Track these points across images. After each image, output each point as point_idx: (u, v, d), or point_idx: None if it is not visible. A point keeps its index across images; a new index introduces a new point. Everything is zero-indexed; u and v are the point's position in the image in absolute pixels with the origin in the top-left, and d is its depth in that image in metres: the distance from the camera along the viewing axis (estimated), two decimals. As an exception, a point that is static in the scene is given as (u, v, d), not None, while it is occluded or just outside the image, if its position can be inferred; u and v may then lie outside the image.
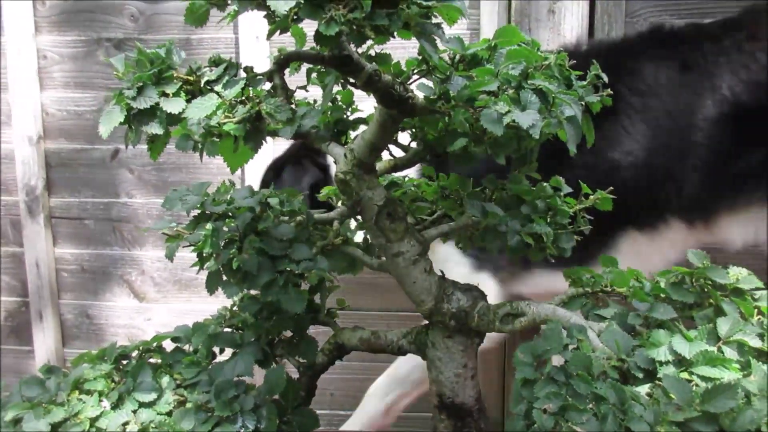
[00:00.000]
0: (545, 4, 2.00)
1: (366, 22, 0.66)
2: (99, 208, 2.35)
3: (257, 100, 0.77)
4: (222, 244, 0.85)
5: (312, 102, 0.99)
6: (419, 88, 0.91)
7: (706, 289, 0.91)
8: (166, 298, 2.39)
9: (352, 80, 0.88)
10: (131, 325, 2.41)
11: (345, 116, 1.05)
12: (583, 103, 0.80)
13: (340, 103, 1.05)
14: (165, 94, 0.75)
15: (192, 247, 0.93)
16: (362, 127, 1.04)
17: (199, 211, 0.88)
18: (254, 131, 0.77)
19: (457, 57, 0.88)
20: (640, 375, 0.82)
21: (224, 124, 0.74)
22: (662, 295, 0.95)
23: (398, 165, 1.05)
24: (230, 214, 0.88)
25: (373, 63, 0.82)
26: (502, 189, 1.10)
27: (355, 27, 0.66)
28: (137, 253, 2.36)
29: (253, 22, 2.13)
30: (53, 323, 2.42)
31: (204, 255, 0.89)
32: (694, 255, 0.94)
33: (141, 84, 0.75)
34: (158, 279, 2.37)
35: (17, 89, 2.29)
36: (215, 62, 0.81)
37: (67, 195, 2.35)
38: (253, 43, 2.15)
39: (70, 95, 2.30)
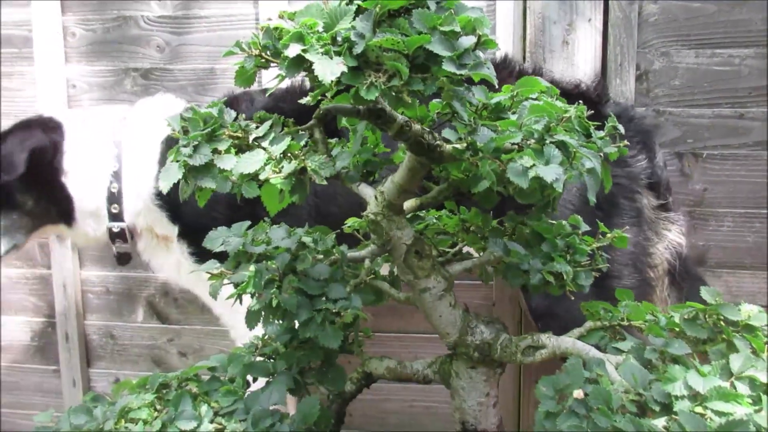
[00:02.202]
0: (559, 35, 2.06)
1: (403, 87, 0.72)
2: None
3: (302, 156, 0.83)
4: (263, 283, 0.91)
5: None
6: (445, 134, 0.97)
7: (718, 326, 0.96)
8: (188, 320, 2.45)
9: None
10: (154, 345, 2.47)
11: (372, 157, 1.11)
12: (602, 154, 0.85)
13: (368, 144, 1.11)
14: (217, 151, 0.82)
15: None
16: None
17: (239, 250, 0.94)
18: (299, 184, 0.84)
19: (481, 105, 0.94)
20: (657, 408, 0.86)
21: (273, 178, 0.80)
22: (677, 329, 1.00)
23: (424, 204, 1.11)
24: (269, 254, 0.94)
25: (402, 113, 0.88)
26: (521, 224, 1.15)
27: (393, 93, 0.72)
28: (160, 275, 2.42)
29: (275, 52, 2.20)
30: (78, 343, 2.48)
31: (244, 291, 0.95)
32: (707, 292, 0.99)
33: (197, 143, 0.81)
34: (181, 301, 2.43)
35: (47, 117, 2.37)
36: (261, 119, 0.87)
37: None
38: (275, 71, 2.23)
39: (98, 123, 2.38)
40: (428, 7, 0.73)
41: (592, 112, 0.92)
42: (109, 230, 1.90)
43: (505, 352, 1.07)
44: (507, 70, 1.86)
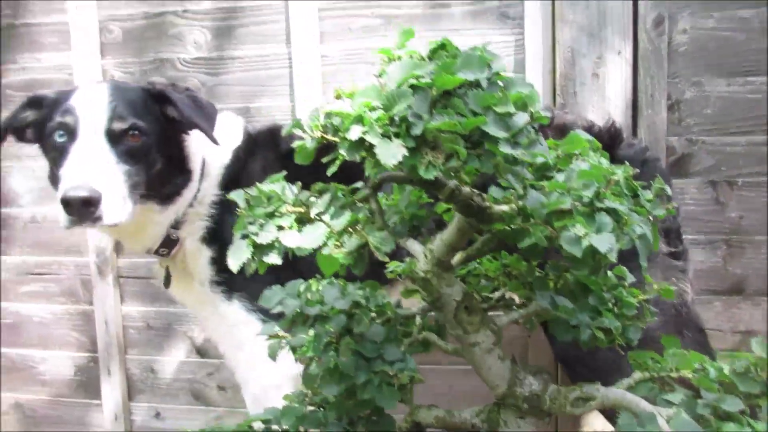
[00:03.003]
0: (589, 68, 2.08)
1: (461, 167, 0.74)
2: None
3: (363, 231, 0.86)
4: (322, 347, 0.93)
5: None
6: (492, 192, 0.99)
7: (771, 380, 0.96)
8: (226, 353, 2.48)
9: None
10: (194, 380, 2.52)
11: (418, 211, 1.13)
12: (651, 218, 0.87)
13: (413, 199, 1.14)
14: (281, 227, 0.85)
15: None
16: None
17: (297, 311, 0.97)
18: (360, 258, 0.87)
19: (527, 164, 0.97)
20: (713, 466, 0.87)
21: (336, 253, 0.83)
22: (727, 381, 1.00)
23: (470, 256, 1.13)
24: (324, 314, 0.97)
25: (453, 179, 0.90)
26: (565, 272, 1.17)
27: (451, 173, 0.75)
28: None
29: (308, 90, 2.25)
30: (120, 378, 2.54)
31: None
32: (758, 344, 1.00)
33: (262, 222, 0.85)
34: (219, 334, 2.47)
35: (88, 158, 2.44)
36: (320, 191, 0.90)
37: (134, 255, 2.48)
38: (308, 109, 2.27)
39: (137, 162, 2.44)
40: (481, 86, 0.76)
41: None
42: (168, 236, 1.76)
43: (554, 404, 1.09)
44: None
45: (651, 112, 2.08)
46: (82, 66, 2.40)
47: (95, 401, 2.59)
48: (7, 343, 2.66)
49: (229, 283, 1.71)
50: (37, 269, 2.60)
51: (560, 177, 0.95)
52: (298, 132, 0.80)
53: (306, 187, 1.74)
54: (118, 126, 1.58)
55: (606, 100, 2.08)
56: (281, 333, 0.97)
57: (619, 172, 0.89)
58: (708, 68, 2.06)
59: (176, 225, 1.75)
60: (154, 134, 1.63)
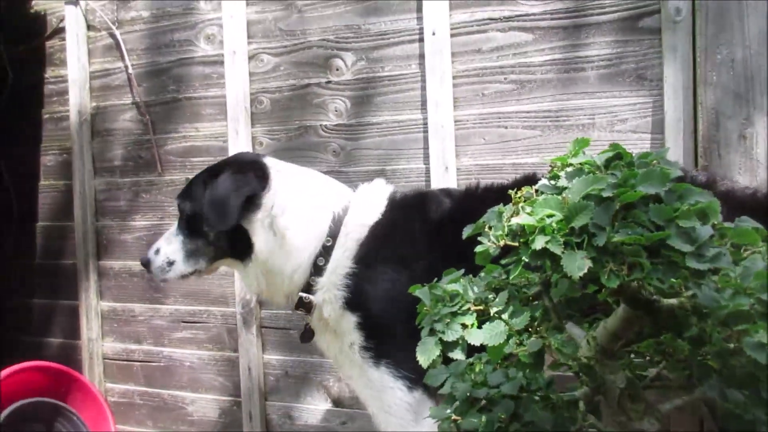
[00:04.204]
0: (735, 129, 2.03)
1: (645, 278, 0.78)
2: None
3: (543, 333, 0.91)
4: (493, 432, 0.98)
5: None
6: (656, 284, 1.01)
7: None
8: (359, 404, 2.57)
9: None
10: (328, 428, 2.62)
11: (574, 294, 1.16)
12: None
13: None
14: (464, 325, 0.92)
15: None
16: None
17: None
18: (539, 358, 0.92)
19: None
20: None
21: (519, 353, 0.89)
22: None
23: (630, 341, 1.14)
24: (492, 398, 1.02)
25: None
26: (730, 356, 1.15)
27: (635, 284, 0.78)
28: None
29: (442, 153, 2.34)
30: (260, 422, 2.69)
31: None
32: None
33: (448, 321, 0.92)
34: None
35: (238, 216, 2.67)
36: (496, 289, 0.97)
37: (274, 307, 2.64)
38: (443, 172, 2.37)
39: (281, 221, 2.64)
40: (661, 198, 0.79)
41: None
42: (300, 298, 1.91)
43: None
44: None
45: (806, 174, 1.99)
46: (235, 135, 2.64)
47: (238, 444, 2.77)
48: (160, 384, 2.91)
49: (378, 350, 1.81)
50: (189, 317, 2.84)
51: (731, 271, 0.95)
52: (483, 239, 0.87)
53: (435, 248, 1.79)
54: (179, 206, 2.05)
55: (755, 161, 2.01)
56: (454, 416, 1.03)
57: (797, 271, 0.88)
58: None
59: (308, 289, 1.91)
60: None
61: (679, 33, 2.07)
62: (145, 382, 2.94)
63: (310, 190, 2.01)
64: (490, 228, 0.87)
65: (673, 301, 0.96)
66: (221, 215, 1.88)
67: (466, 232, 0.92)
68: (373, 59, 2.46)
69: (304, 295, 1.91)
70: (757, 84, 2.00)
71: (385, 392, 1.82)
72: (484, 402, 1.01)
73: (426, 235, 1.83)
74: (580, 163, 0.87)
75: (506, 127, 2.29)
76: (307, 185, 2.02)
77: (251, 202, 1.90)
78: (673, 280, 0.96)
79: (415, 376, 1.76)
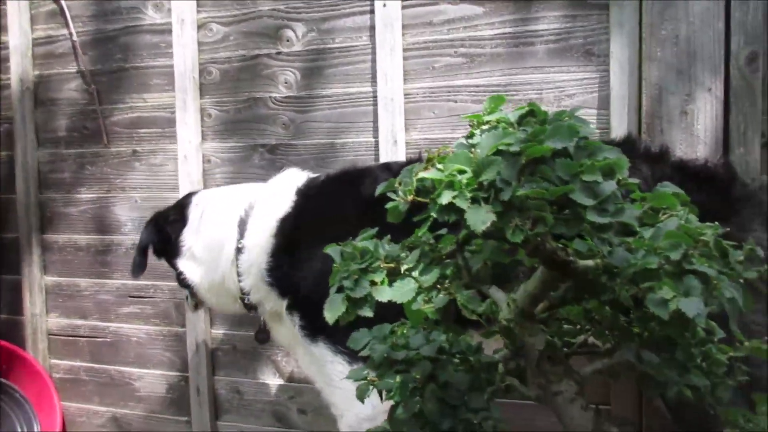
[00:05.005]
0: (677, 105, 2.05)
1: (548, 232, 0.78)
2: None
3: (451, 289, 0.90)
4: (408, 393, 0.98)
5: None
6: (576, 246, 1.01)
7: None
8: (307, 379, 2.56)
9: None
10: (276, 402, 2.61)
11: (502, 259, 1.16)
12: (742, 280, 0.86)
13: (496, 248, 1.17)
14: (373, 282, 0.91)
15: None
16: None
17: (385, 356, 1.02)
18: (446, 313, 0.91)
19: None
20: None
21: (425, 308, 0.88)
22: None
23: (553, 304, 1.14)
24: (410, 360, 1.01)
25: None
26: (651, 322, 1.16)
27: (538, 238, 0.78)
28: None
29: (391, 126, 2.32)
30: (208, 397, 2.67)
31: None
32: None
33: (357, 277, 0.91)
34: (302, 361, 2.56)
35: (185, 189, 2.61)
36: (410, 247, 0.96)
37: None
38: (391, 146, 2.35)
39: (230, 194, 2.59)
40: (569, 153, 0.79)
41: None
42: (242, 301, 2.04)
43: (639, 457, 1.08)
44: (631, 152, 1.85)
45: (743, 151, 2.02)
46: (183, 106, 2.58)
47: (185, 418, 2.74)
48: (106, 360, 2.86)
49: (312, 327, 1.89)
50: (135, 292, 2.79)
51: (646, 233, 0.96)
52: (392, 195, 0.86)
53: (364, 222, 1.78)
54: None
55: (695, 137, 2.03)
56: (370, 377, 1.02)
57: (709, 232, 0.89)
58: (806, 105, 1.98)
59: (244, 294, 2.02)
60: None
61: (626, 9, 2.08)
62: (91, 358, 2.89)
63: (218, 206, 2.12)
64: (400, 184, 0.86)
65: (589, 262, 0.96)
66: (131, 268, 2.18)
67: (379, 189, 0.91)
68: (323, 30, 2.42)
69: (245, 297, 2.02)
70: (699, 60, 2.02)
71: (326, 367, 1.87)
72: (402, 364, 1.01)
73: (352, 211, 1.87)
74: (495, 120, 0.86)
75: (456, 101, 2.28)
76: (217, 203, 2.13)
77: (173, 244, 2.12)
78: (592, 244, 0.97)
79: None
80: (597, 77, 2.15)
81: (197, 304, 2.23)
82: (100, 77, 2.76)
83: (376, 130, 2.37)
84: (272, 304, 2.00)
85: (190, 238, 2.10)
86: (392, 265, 0.93)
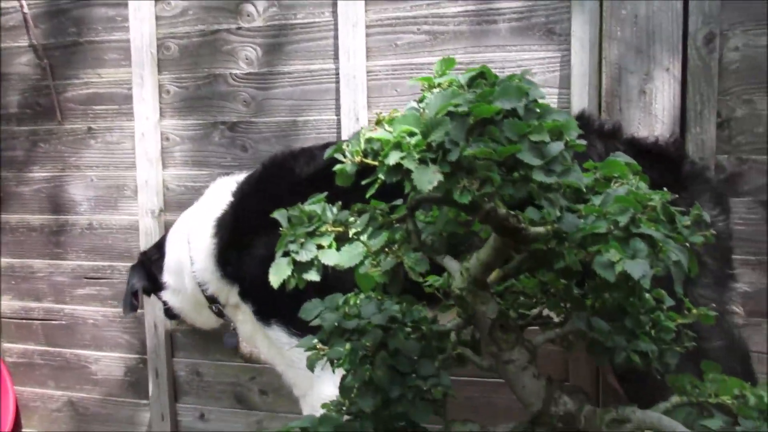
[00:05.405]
0: (636, 85, 2.07)
1: (495, 192, 0.77)
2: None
3: (399, 252, 0.89)
4: (358, 360, 0.97)
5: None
6: (529, 213, 1.01)
7: (812, 410, 0.95)
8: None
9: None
10: (237, 383, 2.59)
11: (458, 229, 1.15)
12: (687, 244, 0.87)
13: (451, 217, 1.16)
14: (320, 246, 0.89)
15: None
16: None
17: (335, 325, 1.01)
18: (395, 277, 0.90)
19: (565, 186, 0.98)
20: (748, 496, 0.86)
21: (372, 272, 0.87)
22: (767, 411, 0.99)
23: (507, 274, 1.14)
24: (361, 329, 1.00)
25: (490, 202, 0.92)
26: (604, 292, 1.17)
27: (485, 198, 0.77)
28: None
29: (354, 104, 2.30)
30: (167, 379, 2.62)
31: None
32: (800, 374, 0.98)
33: (303, 240, 0.89)
34: (263, 341, 2.53)
35: (143, 168, 2.56)
36: (359, 211, 0.94)
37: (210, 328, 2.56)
38: (353, 124, 2.32)
39: (188, 172, 2.54)
40: (518, 114, 0.78)
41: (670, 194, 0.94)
42: (211, 310, 2.14)
43: (589, 424, 1.09)
44: (585, 128, 1.87)
45: (699, 130, 2.05)
46: (140, 81, 2.51)
47: (143, 401, 2.69)
48: (62, 343, 2.79)
49: (264, 311, 1.95)
50: (92, 273, 2.72)
51: (597, 201, 0.96)
52: (340, 156, 0.84)
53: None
54: None
55: (653, 116, 2.06)
56: (319, 346, 1.01)
57: (657, 198, 0.89)
58: (759, 86, 2.02)
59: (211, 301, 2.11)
60: None
61: (588, -13, 2.08)
62: (45, 341, 2.81)
63: (175, 230, 2.22)
64: (348, 146, 0.84)
65: (540, 229, 0.96)
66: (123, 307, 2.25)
67: (327, 153, 0.89)
68: (285, 5, 2.37)
69: (212, 306, 2.12)
70: (658, 40, 2.04)
71: (284, 349, 1.88)
72: (353, 333, 0.99)
73: (287, 193, 1.88)
74: (446, 82, 0.85)
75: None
76: (174, 228, 2.23)
77: (158, 282, 2.22)
78: (545, 213, 0.97)
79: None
80: (558, 56, 2.16)
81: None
82: (53, 51, 2.66)
83: (338, 107, 2.35)
84: (232, 299, 2.06)
85: (166, 271, 2.20)
86: (340, 229, 0.91)
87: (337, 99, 2.34)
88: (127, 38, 2.53)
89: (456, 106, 0.78)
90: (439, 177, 0.76)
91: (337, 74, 2.33)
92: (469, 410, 2.26)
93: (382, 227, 0.91)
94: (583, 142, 0.82)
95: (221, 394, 2.61)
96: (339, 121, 2.35)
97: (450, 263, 1.10)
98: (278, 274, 0.90)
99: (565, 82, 2.16)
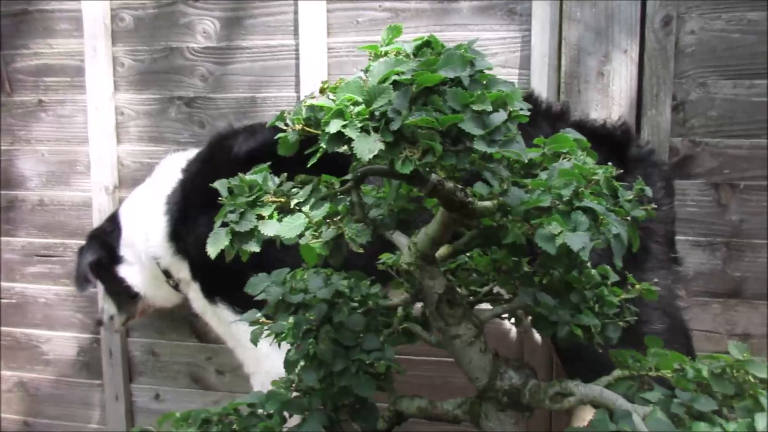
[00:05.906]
0: (594, 66, 2.08)
1: (437, 162, 0.76)
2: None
3: (340, 223, 0.88)
4: (301, 334, 0.96)
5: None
6: (477, 188, 1.00)
7: (746, 382, 0.97)
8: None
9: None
10: (193, 363, 2.56)
11: (407, 205, 1.15)
12: (629, 218, 0.88)
13: (402, 192, 1.15)
14: (261, 217, 0.87)
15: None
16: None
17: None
18: (337, 249, 0.89)
19: (513, 161, 0.98)
20: (683, 465, 0.88)
21: (313, 243, 0.85)
22: (705, 383, 1.01)
23: (456, 250, 1.14)
24: (307, 303, 0.99)
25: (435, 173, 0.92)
26: (552, 269, 1.18)
27: (427, 168, 0.76)
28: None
29: (314, 81, 2.27)
30: (122, 359, 2.58)
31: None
32: (735, 347, 1.00)
33: (243, 210, 0.87)
34: (220, 320, 2.50)
35: (96, 143, 2.48)
36: (303, 182, 0.92)
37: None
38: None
39: (144, 148, 2.48)
40: (462, 84, 0.77)
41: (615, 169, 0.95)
42: (168, 284, 2.13)
43: (534, 398, 1.10)
44: (534, 109, 1.89)
45: (655, 112, 2.08)
46: (93, 53, 2.43)
47: (97, 381, 2.64)
48: (12, 322, 2.72)
49: (209, 289, 1.95)
50: (43, 251, 2.65)
51: (544, 175, 0.96)
52: (281, 124, 0.82)
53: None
54: None
55: (610, 98, 2.08)
56: (262, 319, 0.99)
57: (600, 172, 0.90)
58: (714, 70, 2.05)
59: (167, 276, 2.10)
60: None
61: (548, -32, 2.08)
62: (-5, 320, 2.73)
63: (130, 206, 2.19)
64: (289, 113, 0.82)
65: (487, 203, 0.96)
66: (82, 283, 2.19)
67: (270, 122, 0.86)
68: (243, -22, 2.31)
69: (170, 281, 2.12)
70: (616, 22, 2.05)
71: (232, 327, 1.86)
72: (298, 307, 0.98)
73: (227, 172, 1.88)
74: (393, 50, 0.83)
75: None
76: (131, 203, 2.20)
77: (115, 254, 2.16)
78: (494, 188, 0.96)
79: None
80: (519, 36, 2.16)
81: (129, 317, 2.29)
82: (1, 20, 2.56)
83: (298, 84, 2.31)
84: (184, 274, 2.05)
85: (123, 245, 2.16)
86: (282, 200, 0.89)
87: (297, 75, 2.30)
88: (78, 8, 2.44)
89: (400, 74, 0.76)
90: (381, 146, 0.74)
91: (297, 50, 2.29)
92: (425, 389, 2.27)
93: (325, 199, 0.89)
94: (527, 112, 0.81)
95: (177, 374, 2.58)
96: (299, 98, 2.31)
97: (399, 238, 1.09)
98: (215, 244, 0.88)
99: (525, 63, 2.16)
